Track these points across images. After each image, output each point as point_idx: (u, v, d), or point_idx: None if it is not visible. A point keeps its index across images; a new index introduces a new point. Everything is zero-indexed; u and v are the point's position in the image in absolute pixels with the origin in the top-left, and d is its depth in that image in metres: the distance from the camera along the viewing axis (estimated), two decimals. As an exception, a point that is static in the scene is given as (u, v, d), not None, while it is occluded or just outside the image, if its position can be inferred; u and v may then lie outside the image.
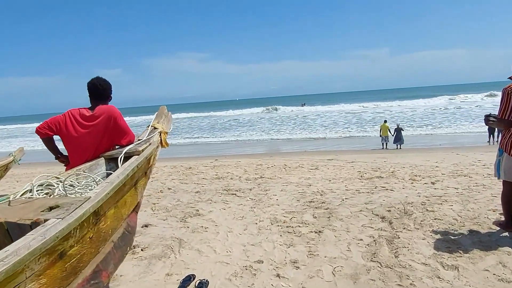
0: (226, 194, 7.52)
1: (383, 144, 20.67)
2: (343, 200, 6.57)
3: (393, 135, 20.50)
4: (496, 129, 20.58)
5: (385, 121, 21.51)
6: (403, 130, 20.95)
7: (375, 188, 7.59)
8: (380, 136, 20.96)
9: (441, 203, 5.96)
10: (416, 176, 9.11)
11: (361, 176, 9.40)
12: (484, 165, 11.28)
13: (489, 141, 20.58)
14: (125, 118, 3.95)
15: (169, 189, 8.32)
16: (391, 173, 9.64)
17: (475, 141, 21.26)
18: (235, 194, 7.42)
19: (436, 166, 11.35)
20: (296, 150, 21.94)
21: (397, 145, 20.39)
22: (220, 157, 20.62)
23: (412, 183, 8.09)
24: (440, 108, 42.75)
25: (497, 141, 20.35)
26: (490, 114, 4.71)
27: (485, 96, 51.08)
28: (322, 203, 6.43)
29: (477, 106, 39.40)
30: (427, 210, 5.63)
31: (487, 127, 20.98)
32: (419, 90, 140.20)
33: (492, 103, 44.00)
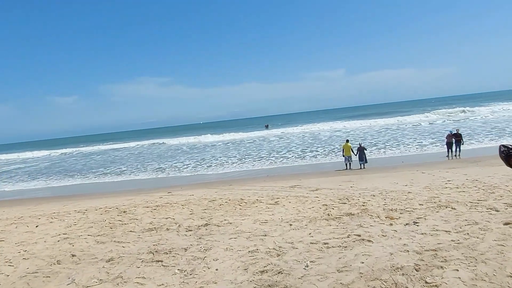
0: (148, 263, 5.26)
1: (346, 164, 19.22)
2: (307, 266, 4.56)
3: (356, 155, 19.15)
4: (454, 143, 19.84)
5: (347, 141, 20.08)
6: (365, 150, 19.66)
7: (348, 237, 5.67)
8: (343, 156, 19.55)
9: (441, 267, 4.11)
10: (391, 210, 7.36)
11: (328, 214, 7.50)
12: (457, 187, 9.84)
13: (448, 156, 19.74)
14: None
15: (73, 256, 5.87)
16: (362, 208, 7.83)
17: (431, 157, 20.36)
18: (162, 262, 5.19)
19: (409, 192, 9.78)
20: (259, 176, 19.99)
21: (360, 165, 19.02)
22: (176, 188, 18.24)
23: (390, 224, 6.27)
24: (394, 125, 42.80)
25: (455, 156, 19.54)
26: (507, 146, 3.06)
27: (428, 114, 51.98)
28: (278, 273, 4.38)
29: (430, 123, 39.62)
30: (426, 282, 3.75)
31: (446, 141, 20.23)
32: (374, 107, 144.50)
33: (440, 121, 44.76)
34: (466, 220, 6.04)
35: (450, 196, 8.38)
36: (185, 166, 26.60)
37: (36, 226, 9.81)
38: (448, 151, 19.93)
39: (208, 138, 50.83)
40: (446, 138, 20.27)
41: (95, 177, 25.49)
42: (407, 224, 6.17)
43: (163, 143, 54.63)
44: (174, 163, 29.14)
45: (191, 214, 8.88)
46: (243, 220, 7.67)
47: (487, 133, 26.93)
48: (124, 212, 9.93)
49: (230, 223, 7.37)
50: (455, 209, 6.93)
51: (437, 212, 6.81)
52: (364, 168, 18.83)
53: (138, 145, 56.63)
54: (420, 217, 6.52)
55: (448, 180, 11.13)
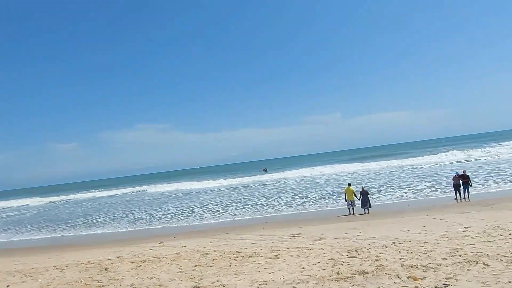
0: None
1: (349, 209, 18.01)
2: None
3: (359, 199, 18.01)
4: (461, 185, 18.82)
5: (349, 184, 18.97)
6: (369, 194, 18.54)
7: (367, 306, 4.53)
8: (346, 200, 18.40)
9: None
10: (411, 267, 6.21)
11: (338, 273, 6.32)
12: (479, 236, 8.66)
13: (456, 199, 18.65)
14: None
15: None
16: (377, 264, 6.66)
17: (439, 200, 19.24)
18: None
19: (425, 242, 8.63)
20: (257, 222, 18.67)
21: (364, 210, 17.82)
22: (169, 237, 16.82)
23: (415, 287, 5.12)
24: (396, 169, 41.93)
25: (464, 198, 18.44)
26: None
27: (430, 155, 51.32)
28: None
29: (431, 165, 38.76)
30: None
31: (453, 183, 19.24)
32: (371, 150, 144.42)
33: (437, 163, 44.05)
34: (510, 282, 4.92)
35: (475, 247, 7.25)
36: (180, 213, 25.21)
37: (7, 287, 8.51)
38: (456, 193, 18.91)
39: (206, 183, 49.46)
40: (453, 180, 19.32)
41: (86, 227, 24.03)
42: (436, 287, 5.02)
43: (157, 189, 53.09)
44: (169, 209, 27.75)
45: (179, 272, 7.64)
46: (238, 281, 6.46)
47: (490, 175, 25.98)
48: (106, 269, 8.63)
49: (223, 286, 6.15)
50: (488, 265, 5.80)
51: (468, 270, 5.68)
52: (368, 213, 17.62)
53: (131, 191, 55.16)
54: (450, 277, 5.39)
55: (466, 227, 10.00)
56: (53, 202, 54.59)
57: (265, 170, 68.47)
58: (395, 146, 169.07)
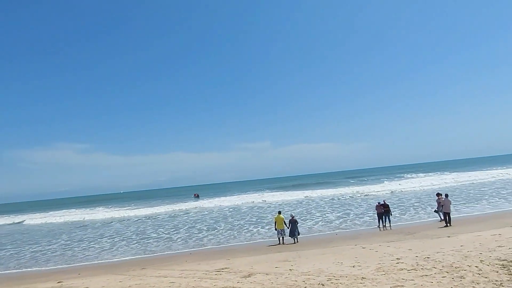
0: None
1: (279, 238, 17.07)
2: None
3: (288, 227, 17.23)
4: (383, 214, 19.29)
5: (280, 212, 18.12)
6: (297, 223, 17.86)
7: None
8: (276, 229, 17.47)
9: None
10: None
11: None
12: (414, 269, 8.09)
13: (379, 226, 18.97)
14: None
15: None
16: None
17: (362, 227, 19.44)
18: None
19: (363, 277, 7.85)
20: (181, 253, 16.66)
21: (294, 239, 17.05)
22: (72, 273, 13.91)
23: None
24: (318, 197, 42.92)
25: (385, 226, 18.83)
26: None
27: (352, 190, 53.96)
28: None
29: (350, 197, 40.38)
30: None
31: (376, 211, 19.64)
32: (297, 179, 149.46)
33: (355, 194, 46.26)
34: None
35: (416, 284, 6.61)
36: (93, 244, 21.88)
37: None
38: (379, 221, 19.31)
39: (129, 211, 44.72)
40: (376, 208, 19.75)
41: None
42: None
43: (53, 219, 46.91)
44: (78, 240, 24.05)
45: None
46: None
47: (407, 205, 27.54)
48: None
49: None
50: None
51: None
52: (297, 242, 16.86)
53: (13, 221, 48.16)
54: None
55: (398, 258, 9.59)
56: None
57: (197, 196, 65.61)
58: (323, 175, 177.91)
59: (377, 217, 19.49)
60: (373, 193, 38.47)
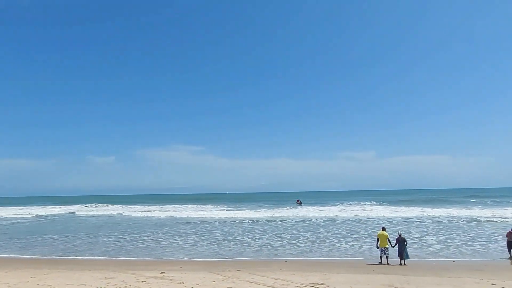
0: None
1: (381, 257, 15.25)
2: None
3: (393, 247, 15.24)
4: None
5: (383, 229, 16.25)
6: (406, 242, 15.67)
7: None
8: (378, 247, 15.67)
9: None
10: None
11: None
12: None
13: (510, 258, 15.46)
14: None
15: None
16: None
17: (486, 257, 16.00)
18: None
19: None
20: (276, 260, 16.35)
21: (400, 260, 15.00)
22: (176, 266, 14.92)
23: None
24: (435, 217, 37.75)
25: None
26: None
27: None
28: None
29: (469, 221, 34.34)
30: None
31: (507, 239, 16.08)
32: (405, 193, 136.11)
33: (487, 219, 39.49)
34: None
35: None
36: (195, 241, 23.33)
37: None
38: (509, 251, 15.83)
39: (237, 213, 45.48)
40: (507, 236, 16.22)
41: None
42: None
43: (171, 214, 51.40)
44: (187, 234, 26.00)
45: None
46: None
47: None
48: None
49: None
50: None
51: None
52: (405, 264, 14.78)
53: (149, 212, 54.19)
54: None
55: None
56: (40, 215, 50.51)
57: (299, 203, 65.35)
58: (434, 191, 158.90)
59: (507, 247, 15.98)
60: (499, 217, 31.85)
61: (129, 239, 24.30)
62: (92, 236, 26.13)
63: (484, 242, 19.80)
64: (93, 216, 47.61)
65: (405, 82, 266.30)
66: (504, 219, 30.41)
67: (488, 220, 30.03)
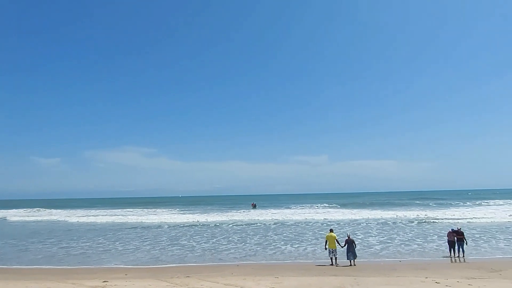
0: None
1: (331, 258, 15.40)
2: None
3: (342, 247, 15.46)
4: (456, 242, 16.61)
5: (331, 230, 16.42)
6: (355, 243, 15.98)
7: None
8: (326, 248, 15.80)
9: None
10: None
11: None
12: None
13: (450, 256, 16.41)
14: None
15: None
16: None
17: (430, 256, 16.85)
18: None
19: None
20: (229, 264, 15.84)
21: (350, 261, 15.25)
22: (121, 274, 13.80)
23: None
24: (382, 218, 39.53)
25: (457, 257, 16.18)
26: None
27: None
28: None
29: (412, 222, 36.48)
30: None
31: (447, 239, 17.04)
32: (356, 196, 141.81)
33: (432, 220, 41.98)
34: None
35: None
36: (144, 246, 22.08)
37: None
38: (450, 250, 16.76)
39: (189, 216, 44.49)
40: (448, 235, 17.23)
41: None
42: None
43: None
44: (132, 239, 24.55)
45: None
46: None
47: (486, 234, 23.75)
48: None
49: None
50: None
51: None
52: (354, 265, 15.03)
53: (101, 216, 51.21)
54: None
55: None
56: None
57: (254, 206, 65.16)
58: (382, 194, 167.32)
59: (448, 246, 16.94)
60: (440, 219, 34.12)
61: (64, 245, 22.37)
62: (25, 243, 23.72)
63: (421, 242, 20.84)
64: (31, 222, 43.70)
65: (355, 88, 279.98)
66: (442, 220, 32.60)
67: (427, 221, 31.95)
